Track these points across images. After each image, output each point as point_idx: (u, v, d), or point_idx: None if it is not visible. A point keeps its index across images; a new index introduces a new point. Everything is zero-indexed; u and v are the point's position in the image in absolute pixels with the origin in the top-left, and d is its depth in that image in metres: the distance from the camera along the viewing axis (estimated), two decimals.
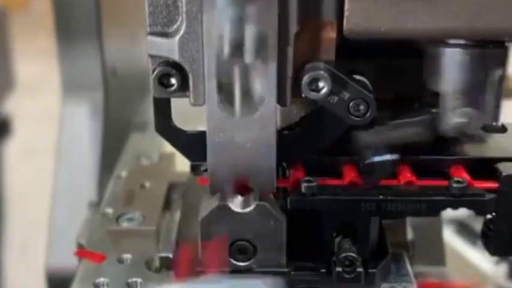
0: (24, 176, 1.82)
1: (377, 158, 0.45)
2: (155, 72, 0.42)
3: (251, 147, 0.43)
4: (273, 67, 0.41)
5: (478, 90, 0.44)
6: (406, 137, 0.45)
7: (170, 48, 0.41)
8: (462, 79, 0.44)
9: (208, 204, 0.47)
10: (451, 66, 0.43)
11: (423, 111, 0.46)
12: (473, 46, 0.43)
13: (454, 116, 0.44)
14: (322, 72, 0.42)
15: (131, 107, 0.84)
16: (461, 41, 0.43)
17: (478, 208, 0.46)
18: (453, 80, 0.44)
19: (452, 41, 0.43)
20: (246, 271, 0.48)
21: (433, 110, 0.45)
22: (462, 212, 0.46)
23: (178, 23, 0.41)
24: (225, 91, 0.41)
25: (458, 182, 0.45)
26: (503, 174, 0.45)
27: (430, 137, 0.46)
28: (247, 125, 0.42)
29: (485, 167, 0.47)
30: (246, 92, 0.41)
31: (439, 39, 0.44)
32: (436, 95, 0.45)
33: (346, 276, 0.47)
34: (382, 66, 0.48)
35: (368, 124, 0.44)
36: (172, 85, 0.42)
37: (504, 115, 0.50)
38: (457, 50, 0.43)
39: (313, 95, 0.42)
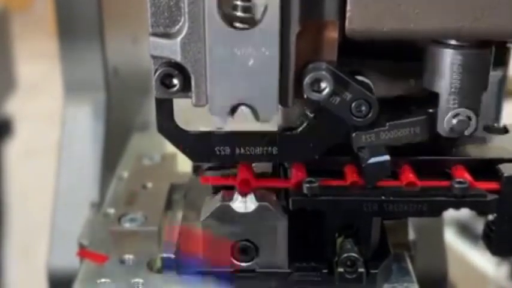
0: (26, 176, 1.82)
1: (374, 159, 0.45)
2: (157, 73, 0.42)
3: (253, 65, 0.41)
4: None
5: (475, 92, 0.44)
6: (403, 137, 0.45)
7: (172, 49, 0.41)
8: (459, 80, 0.43)
9: (210, 205, 0.47)
10: (448, 67, 0.43)
11: (420, 111, 0.46)
12: (471, 47, 0.43)
13: (450, 117, 0.44)
14: (324, 72, 0.42)
15: (133, 108, 0.84)
16: (459, 42, 0.43)
17: (480, 209, 0.46)
18: (450, 80, 0.44)
19: (450, 42, 0.43)
20: (248, 271, 0.48)
21: (430, 110, 0.45)
22: (464, 213, 0.46)
23: (180, 23, 0.41)
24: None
25: (460, 182, 0.45)
26: (505, 175, 0.45)
27: (426, 137, 0.46)
28: (248, 40, 0.40)
29: (487, 168, 0.47)
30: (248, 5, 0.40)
31: (441, 40, 0.43)
32: (433, 95, 0.45)
33: (348, 276, 0.47)
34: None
35: (366, 125, 0.44)
36: (175, 86, 0.42)
37: (505, 116, 0.50)
38: (455, 50, 0.43)
39: (315, 96, 0.42)
